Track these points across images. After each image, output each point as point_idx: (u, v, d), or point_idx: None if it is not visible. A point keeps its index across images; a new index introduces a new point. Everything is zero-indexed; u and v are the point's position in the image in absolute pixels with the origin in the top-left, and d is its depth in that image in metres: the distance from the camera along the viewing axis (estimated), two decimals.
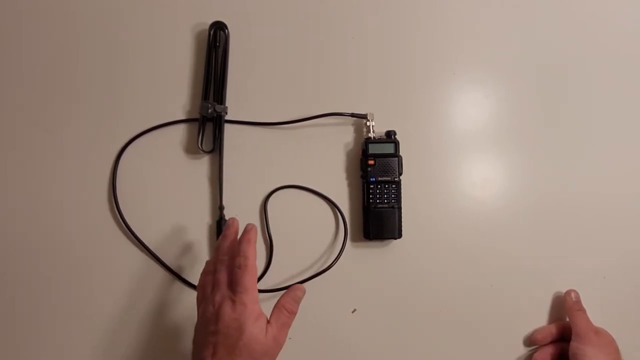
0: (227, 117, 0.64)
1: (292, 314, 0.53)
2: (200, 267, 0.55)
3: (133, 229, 0.63)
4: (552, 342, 0.62)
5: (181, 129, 0.65)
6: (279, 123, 0.64)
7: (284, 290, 0.53)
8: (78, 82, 0.65)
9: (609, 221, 0.65)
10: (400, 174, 0.63)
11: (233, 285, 0.50)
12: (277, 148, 0.65)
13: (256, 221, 0.64)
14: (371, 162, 0.62)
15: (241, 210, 0.63)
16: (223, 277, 0.51)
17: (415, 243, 0.64)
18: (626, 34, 0.68)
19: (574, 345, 0.59)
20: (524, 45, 0.67)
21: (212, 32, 0.64)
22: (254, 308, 0.49)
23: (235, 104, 0.64)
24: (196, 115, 0.64)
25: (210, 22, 0.65)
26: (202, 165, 0.64)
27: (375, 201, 0.62)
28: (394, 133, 0.64)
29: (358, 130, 0.65)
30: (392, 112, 0.65)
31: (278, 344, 0.51)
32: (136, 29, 0.66)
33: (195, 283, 0.58)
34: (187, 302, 0.62)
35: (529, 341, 0.63)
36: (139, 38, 0.66)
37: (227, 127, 0.64)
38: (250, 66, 0.66)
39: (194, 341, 0.52)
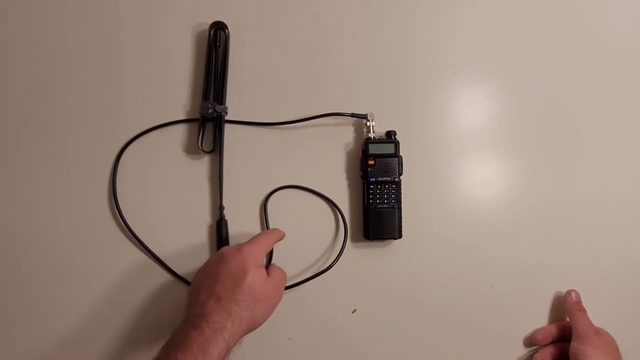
0: (227, 117, 0.64)
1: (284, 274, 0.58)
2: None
3: (133, 229, 0.63)
4: (552, 343, 0.62)
5: (181, 129, 0.65)
6: (279, 123, 0.64)
7: (285, 290, 0.55)
8: (78, 82, 0.65)
9: (609, 221, 0.65)
10: (401, 174, 0.63)
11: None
12: (277, 148, 0.65)
13: (256, 221, 0.64)
14: (371, 162, 0.62)
15: (241, 210, 0.63)
16: None
17: (415, 243, 0.64)
18: (628, 35, 0.68)
19: (574, 345, 0.59)
20: (524, 45, 0.67)
21: (212, 32, 0.64)
22: (258, 258, 0.53)
23: (235, 104, 0.64)
24: (196, 115, 0.64)
25: (210, 22, 0.64)
26: (202, 165, 0.64)
27: (375, 201, 0.62)
28: (394, 133, 0.64)
29: (358, 130, 0.65)
30: (392, 112, 0.65)
31: (278, 293, 0.54)
32: (136, 28, 0.66)
33: None
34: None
35: (530, 341, 0.63)
36: (139, 38, 0.66)
37: (227, 127, 0.64)
38: (250, 66, 0.66)
39: (190, 290, 0.53)
